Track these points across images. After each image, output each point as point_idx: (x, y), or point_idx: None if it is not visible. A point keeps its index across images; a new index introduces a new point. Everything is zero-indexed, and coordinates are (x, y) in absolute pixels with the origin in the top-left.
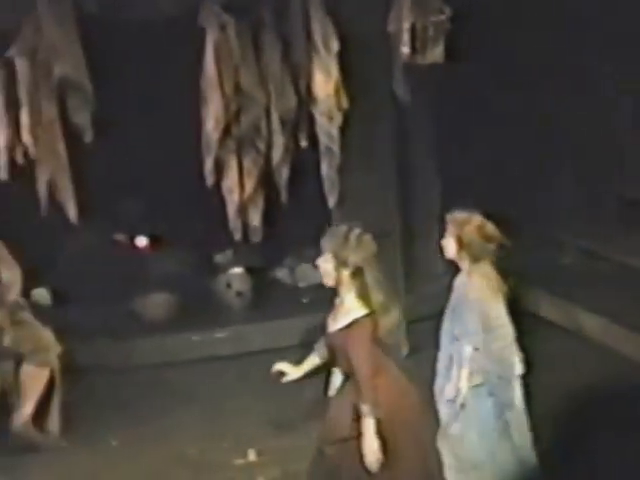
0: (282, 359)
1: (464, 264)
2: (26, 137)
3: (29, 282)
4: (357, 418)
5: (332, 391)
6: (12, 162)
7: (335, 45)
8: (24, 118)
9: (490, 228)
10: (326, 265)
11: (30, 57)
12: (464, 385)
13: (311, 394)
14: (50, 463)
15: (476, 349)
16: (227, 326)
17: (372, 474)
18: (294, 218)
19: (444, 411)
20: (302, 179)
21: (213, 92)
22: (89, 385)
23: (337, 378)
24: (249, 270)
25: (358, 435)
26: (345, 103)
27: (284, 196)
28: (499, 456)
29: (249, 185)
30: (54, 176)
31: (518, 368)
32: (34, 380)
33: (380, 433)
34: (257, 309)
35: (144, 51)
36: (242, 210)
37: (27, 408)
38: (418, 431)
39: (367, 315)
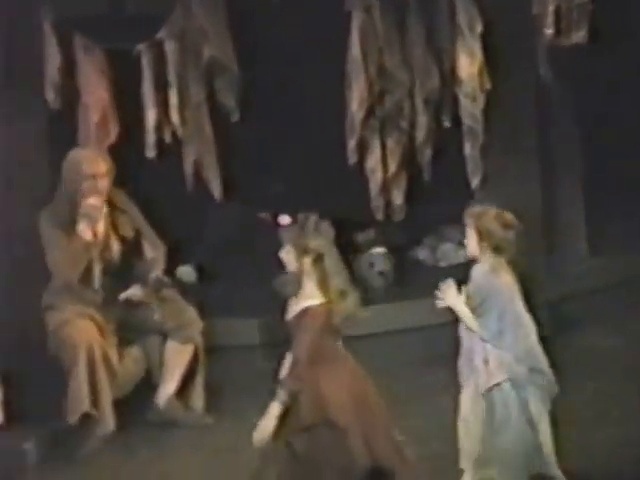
0: (423, 338)
1: (485, 256)
2: (174, 117)
3: (174, 259)
4: (317, 406)
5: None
6: (160, 141)
7: (479, 26)
8: (172, 99)
9: (508, 216)
10: (288, 256)
11: (179, 39)
12: (485, 380)
13: (445, 374)
14: (194, 439)
15: (498, 344)
16: (369, 305)
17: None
18: (436, 198)
19: (466, 399)
20: (444, 159)
21: (358, 73)
22: (230, 362)
23: None
24: (390, 249)
25: (320, 422)
26: (488, 84)
27: (427, 175)
28: (522, 448)
29: (392, 165)
30: (200, 155)
31: (543, 361)
32: (178, 356)
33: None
34: (398, 288)
35: (289, 33)
36: (385, 189)
37: (171, 385)
38: (369, 419)
39: (321, 304)
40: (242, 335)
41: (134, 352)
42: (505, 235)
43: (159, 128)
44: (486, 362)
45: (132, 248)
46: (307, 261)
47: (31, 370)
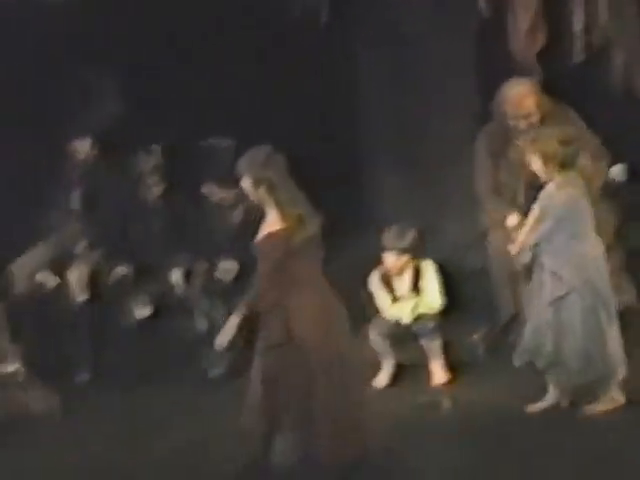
0: None
1: (552, 176)
2: (602, 18)
3: None
4: (285, 326)
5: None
6: (587, 45)
7: None
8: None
9: (564, 132)
10: (244, 184)
11: None
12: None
13: None
14: None
15: (548, 247)
16: None
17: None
18: None
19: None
20: None
21: None
22: None
23: None
24: None
25: (289, 341)
26: None
27: None
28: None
29: None
30: (629, 57)
31: (599, 276)
32: None
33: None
34: None
35: None
36: None
37: None
38: (336, 339)
39: (281, 229)
40: None
41: None
42: (567, 151)
43: (587, 31)
44: (553, 274)
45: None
46: (262, 190)
47: None
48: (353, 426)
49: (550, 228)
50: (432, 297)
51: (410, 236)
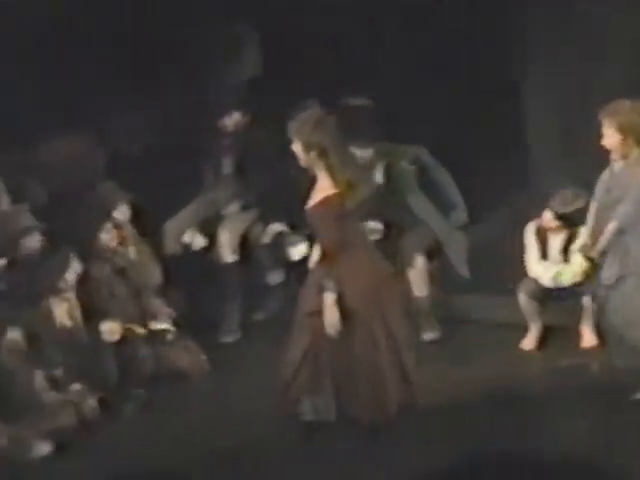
0: None
1: (630, 151)
2: None
3: None
4: (321, 293)
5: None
6: None
7: None
8: None
9: None
10: (296, 148)
11: None
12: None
13: None
14: None
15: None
16: None
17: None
18: None
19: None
20: None
21: None
22: None
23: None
24: None
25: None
26: None
27: None
28: None
29: None
30: None
31: None
32: None
33: (343, 306)
34: None
35: None
36: None
37: None
38: (386, 306)
39: (334, 194)
40: None
41: None
42: None
43: None
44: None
45: None
46: (313, 155)
47: None
48: (391, 386)
49: (634, 210)
50: (578, 268)
51: (578, 203)
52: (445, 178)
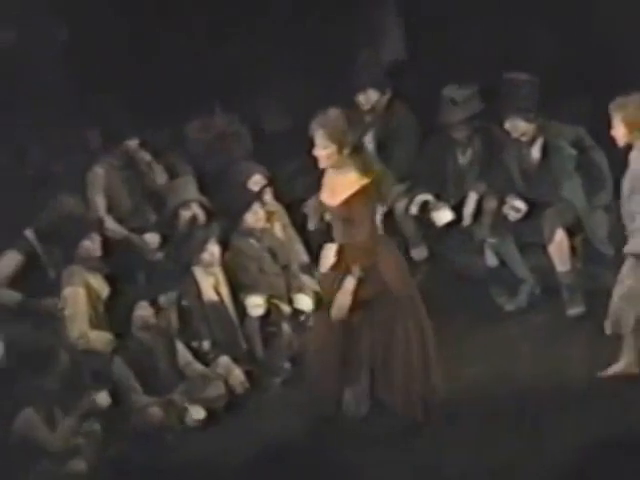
0: None
1: (637, 142)
2: None
3: None
4: (376, 280)
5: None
6: None
7: None
8: None
9: None
10: (326, 151)
11: None
12: None
13: None
14: None
15: None
16: None
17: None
18: None
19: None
20: None
21: None
22: None
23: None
24: None
25: (375, 297)
26: None
27: None
28: None
29: None
30: None
31: None
32: None
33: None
34: None
35: None
36: None
37: None
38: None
39: (363, 187)
40: None
41: None
42: None
43: None
44: None
45: None
46: (346, 152)
47: None
48: (426, 377)
49: None
50: None
51: None
52: (601, 158)
